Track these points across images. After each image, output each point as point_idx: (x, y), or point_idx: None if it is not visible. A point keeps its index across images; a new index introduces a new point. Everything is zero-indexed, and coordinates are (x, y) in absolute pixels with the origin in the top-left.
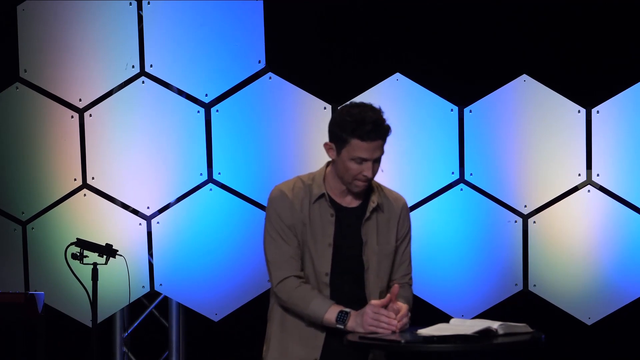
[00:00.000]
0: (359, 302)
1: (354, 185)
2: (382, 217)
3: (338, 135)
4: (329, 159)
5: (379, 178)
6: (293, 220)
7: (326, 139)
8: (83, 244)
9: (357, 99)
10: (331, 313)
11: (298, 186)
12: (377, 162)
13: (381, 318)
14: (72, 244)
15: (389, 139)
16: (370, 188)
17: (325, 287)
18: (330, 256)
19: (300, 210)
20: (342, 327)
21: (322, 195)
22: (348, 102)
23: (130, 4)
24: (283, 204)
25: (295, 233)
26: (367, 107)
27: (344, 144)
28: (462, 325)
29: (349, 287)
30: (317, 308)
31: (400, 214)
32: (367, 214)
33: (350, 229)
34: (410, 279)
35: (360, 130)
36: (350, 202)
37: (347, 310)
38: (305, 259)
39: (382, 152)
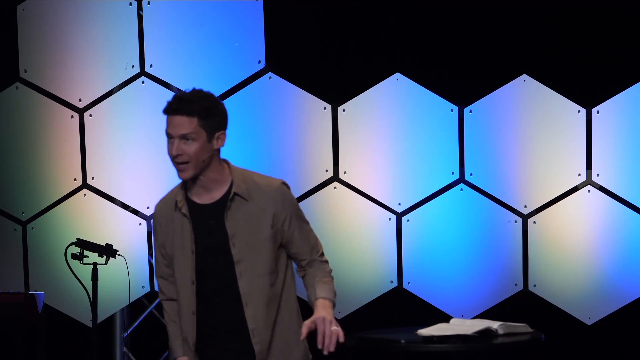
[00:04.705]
0: (237, 301)
1: (177, 171)
2: (252, 205)
3: None
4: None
5: (367, 172)
6: (162, 239)
7: (326, 139)
8: (83, 244)
9: (357, 99)
10: (173, 354)
11: (167, 197)
12: (187, 140)
13: None
14: (72, 244)
15: (390, 138)
16: (232, 178)
17: (192, 296)
18: (194, 262)
19: (164, 225)
20: None
21: (178, 202)
22: None
23: (130, 4)
24: (154, 223)
25: (163, 254)
26: (193, 90)
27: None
28: (462, 325)
29: (225, 287)
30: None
31: (273, 197)
32: (227, 204)
33: (214, 225)
34: (319, 254)
35: (165, 106)
36: (211, 197)
37: None
38: (176, 271)
39: (189, 131)
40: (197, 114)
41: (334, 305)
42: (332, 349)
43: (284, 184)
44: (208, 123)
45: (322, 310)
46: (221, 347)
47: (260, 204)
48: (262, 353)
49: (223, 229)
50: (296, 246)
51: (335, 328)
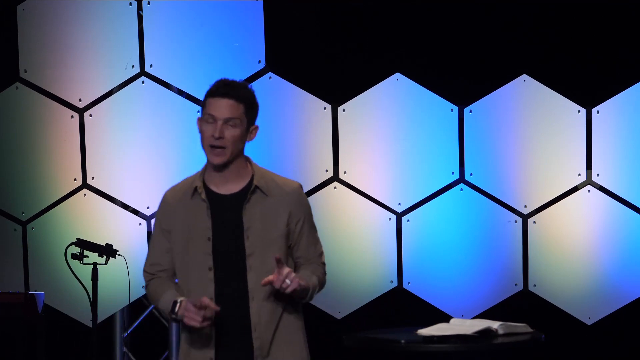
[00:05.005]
0: (244, 294)
1: (211, 154)
2: (270, 202)
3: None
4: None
5: (369, 173)
6: (168, 226)
7: (326, 139)
8: (83, 244)
9: (357, 99)
10: (167, 304)
11: (181, 185)
12: (230, 125)
13: (188, 307)
14: (72, 244)
15: (390, 138)
16: (252, 173)
17: (210, 283)
18: (211, 249)
19: (175, 211)
20: (175, 316)
21: (198, 188)
22: None
23: (130, 4)
24: (161, 209)
25: (167, 239)
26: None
27: (202, 110)
28: (462, 325)
29: (233, 278)
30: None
31: (290, 197)
32: (248, 196)
33: (230, 217)
34: (321, 260)
35: (211, 89)
36: (230, 189)
37: (179, 299)
38: (184, 258)
39: (235, 116)
40: (244, 100)
41: (309, 290)
42: (277, 286)
43: (301, 187)
44: (250, 112)
45: (296, 273)
46: (220, 342)
47: (277, 201)
48: (261, 349)
49: (239, 221)
50: (301, 250)
51: (292, 280)
